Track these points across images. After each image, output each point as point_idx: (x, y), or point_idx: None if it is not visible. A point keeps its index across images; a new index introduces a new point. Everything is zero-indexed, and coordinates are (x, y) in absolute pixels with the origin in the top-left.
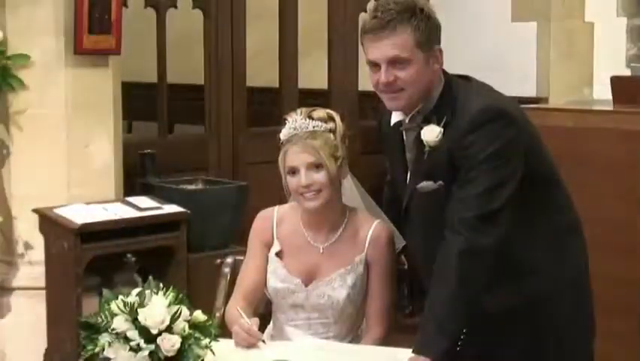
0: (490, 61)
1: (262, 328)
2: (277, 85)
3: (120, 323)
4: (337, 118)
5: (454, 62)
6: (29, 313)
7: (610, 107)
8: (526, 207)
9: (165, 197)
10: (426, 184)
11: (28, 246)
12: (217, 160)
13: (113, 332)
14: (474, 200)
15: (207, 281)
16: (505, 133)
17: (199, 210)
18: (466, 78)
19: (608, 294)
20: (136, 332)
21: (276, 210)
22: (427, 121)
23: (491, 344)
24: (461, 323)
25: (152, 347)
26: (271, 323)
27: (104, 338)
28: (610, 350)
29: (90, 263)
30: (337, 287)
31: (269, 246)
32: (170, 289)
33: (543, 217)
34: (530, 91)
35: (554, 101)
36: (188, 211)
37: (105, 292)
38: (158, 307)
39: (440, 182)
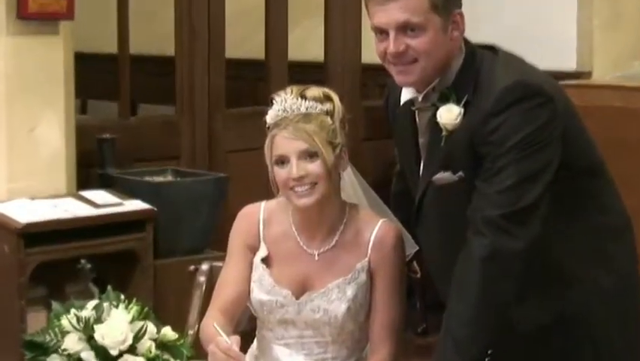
0: (521, 28)
1: (244, 348)
2: (263, 56)
3: (73, 343)
4: (335, 97)
5: (479, 30)
6: None
7: None
8: (564, 205)
9: (127, 191)
10: (443, 176)
11: None
12: (190, 147)
13: (64, 353)
14: (501, 195)
15: (178, 292)
16: (539, 114)
17: (168, 207)
18: (491, 49)
19: None
20: (92, 354)
21: (262, 207)
22: (445, 99)
23: None
24: (485, 343)
25: None
26: (255, 341)
27: None
28: None
29: (36, 271)
30: (335, 300)
31: (254, 250)
32: (134, 301)
33: (584, 216)
34: (570, 64)
35: (599, 77)
36: (155, 208)
37: (54, 305)
38: (118, 324)
39: (460, 173)
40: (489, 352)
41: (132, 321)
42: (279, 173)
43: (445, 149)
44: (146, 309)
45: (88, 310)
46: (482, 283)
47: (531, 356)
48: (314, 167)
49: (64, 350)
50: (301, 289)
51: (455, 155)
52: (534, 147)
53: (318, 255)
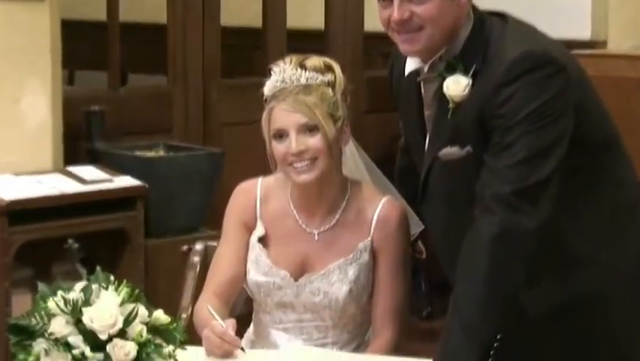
0: None
1: (240, 332)
2: (260, 24)
3: (60, 326)
4: (337, 68)
5: None
6: None
7: None
8: (577, 181)
9: (117, 167)
10: (450, 151)
11: None
12: (183, 120)
13: (51, 337)
14: (511, 171)
15: (171, 274)
16: (551, 85)
17: (160, 183)
18: (501, 16)
19: None
20: (80, 338)
21: (259, 184)
22: (452, 69)
23: (532, 353)
24: (494, 327)
25: (101, 356)
26: (251, 325)
27: (40, 345)
28: None
29: (20, 251)
30: (336, 282)
31: (250, 229)
32: (124, 283)
33: (598, 192)
34: (584, 33)
35: (614, 46)
36: (146, 185)
37: (40, 286)
38: (107, 306)
39: (468, 148)
40: (498, 336)
41: (122, 304)
42: (277, 148)
43: (452, 122)
44: (136, 291)
45: (75, 292)
46: (491, 264)
47: (542, 340)
48: (314, 141)
49: (51, 334)
50: (300, 271)
51: (463, 128)
52: (546, 119)
53: (317, 234)
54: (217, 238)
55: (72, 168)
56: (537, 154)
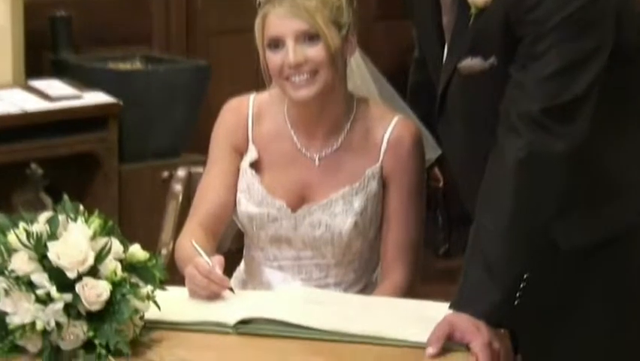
0: None
1: (229, 271)
2: None
3: (22, 263)
4: None
5: None
6: None
7: None
8: (618, 98)
9: (87, 81)
10: (471, 63)
11: None
12: (163, 28)
13: (12, 275)
14: (541, 86)
15: (149, 204)
16: None
17: (137, 100)
18: None
19: None
20: (45, 276)
21: (251, 101)
22: None
23: (564, 295)
24: (520, 265)
25: (69, 297)
26: (242, 263)
27: None
28: None
29: None
30: (339, 213)
31: (241, 152)
32: (95, 213)
33: None
34: None
35: None
36: (121, 102)
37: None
38: (76, 240)
39: (492, 59)
40: (525, 276)
41: (93, 238)
42: (272, 58)
43: (474, 30)
44: (109, 223)
45: (40, 225)
46: (517, 192)
47: (574, 280)
48: (314, 51)
49: (12, 271)
50: (298, 200)
51: (486, 37)
52: (582, 25)
53: (319, 159)
54: (202, 163)
55: (35, 83)
56: (571, 66)
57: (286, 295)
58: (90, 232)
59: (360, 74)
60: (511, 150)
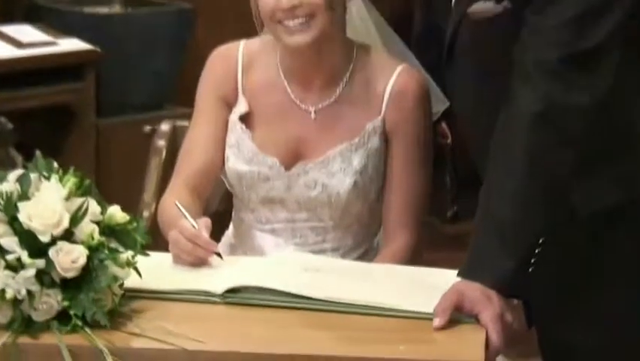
0: None
1: (217, 235)
2: None
3: None
4: None
5: None
6: None
7: None
8: None
9: (62, 26)
10: (483, 6)
11: None
12: None
13: None
14: (560, 31)
15: (129, 161)
16: None
17: (116, 47)
18: None
19: None
20: (15, 240)
21: (241, 48)
22: None
23: (583, 263)
24: (536, 229)
25: (42, 263)
26: (231, 226)
27: None
28: None
29: None
30: (337, 172)
31: (229, 104)
32: (70, 171)
33: None
34: None
35: None
36: (99, 50)
37: None
38: (50, 201)
39: (505, 2)
40: (540, 241)
41: (68, 198)
42: (265, 2)
43: None
44: (86, 182)
45: (9, 183)
46: (532, 149)
47: (594, 246)
48: None
49: None
50: (292, 158)
51: None
52: None
53: (315, 112)
54: (188, 116)
55: (5, 28)
56: (593, 11)
57: (279, 261)
58: (65, 192)
59: (361, 19)
60: (527, 102)
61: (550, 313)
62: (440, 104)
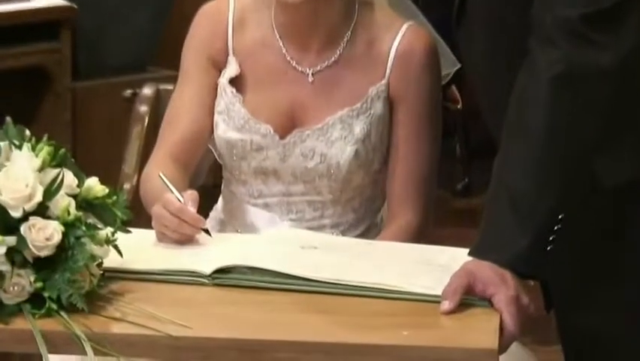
0: None
1: (205, 210)
2: None
3: None
4: None
5: None
6: None
7: None
8: None
9: None
10: None
11: None
12: None
13: None
14: None
15: (109, 128)
16: None
17: (94, 3)
18: None
19: None
20: None
21: (231, 4)
22: None
23: (606, 241)
24: (554, 203)
25: (13, 240)
26: (220, 200)
27: None
28: None
29: None
30: (337, 140)
31: (219, 66)
32: (44, 140)
33: None
34: None
35: None
36: (75, 6)
37: None
38: (21, 172)
39: None
40: (560, 217)
41: (42, 169)
42: None
43: None
44: (61, 151)
45: None
46: (552, 115)
47: (619, 224)
48: None
49: None
50: (288, 125)
51: None
52: None
53: (312, 74)
54: (173, 80)
55: None
56: None
57: (273, 238)
58: (38, 162)
59: None
60: (546, 64)
61: (571, 296)
62: (450, 65)
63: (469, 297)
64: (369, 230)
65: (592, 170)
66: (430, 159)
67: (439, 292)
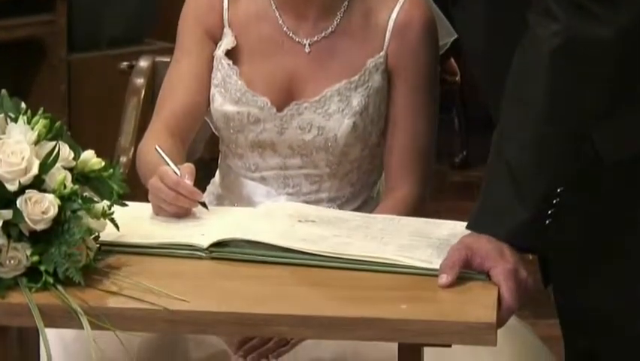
0: None
1: (202, 183)
2: None
3: None
4: None
5: None
6: None
7: None
8: None
9: None
10: None
11: None
12: None
13: None
14: None
15: (104, 100)
16: None
17: None
18: None
19: None
20: None
21: None
22: None
23: (607, 216)
24: (553, 177)
25: (9, 214)
26: (217, 174)
27: None
28: None
29: None
30: (335, 113)
31: (215, 38)
32: (40, 112)
33: None
34: None
35: None
36: None
37: None
38: (17, 145)
39: None
40: (559, 190)
41: (38, 142)
42: None
43: None
44: (57, 124)
45: None
46: (552, 88)
47: (620, 198)
48: None
49: None
50: (285, 97)
51: None
52: None
53: (309, 45)
54: (169, 52)
55: None
56: None
57: (270, 212)
58: (34, 135)
59: None
60: (546, 36)
61: (569, 270)
62: (448, 36)
63: (467, 271)
64: (366, 204)
65: (591, 144)
66: (428, 131)
67: (437, 266)
